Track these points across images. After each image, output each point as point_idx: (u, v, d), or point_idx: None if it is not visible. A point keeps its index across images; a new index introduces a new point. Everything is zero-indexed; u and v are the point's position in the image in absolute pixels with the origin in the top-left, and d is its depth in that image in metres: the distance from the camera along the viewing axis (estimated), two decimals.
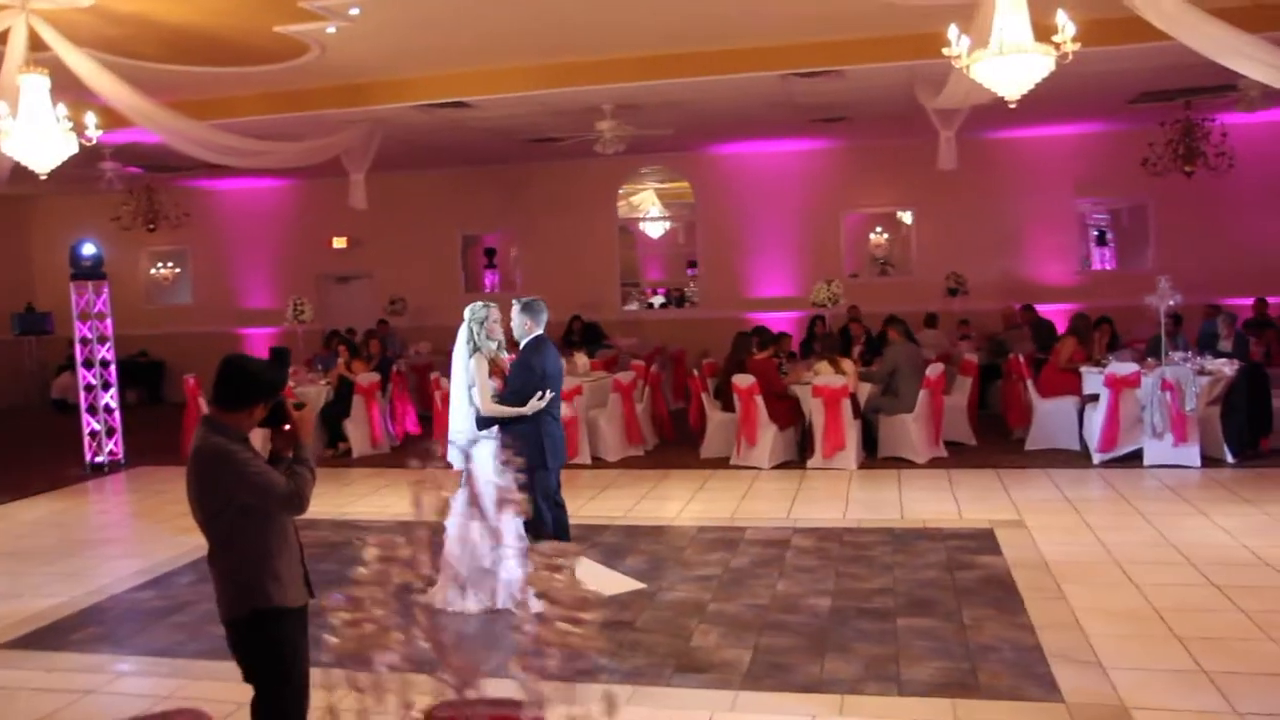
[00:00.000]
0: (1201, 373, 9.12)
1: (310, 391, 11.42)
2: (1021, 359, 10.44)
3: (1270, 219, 13.21)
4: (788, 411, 10.01)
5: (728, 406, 10.41)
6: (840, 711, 4.58)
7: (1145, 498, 8.15)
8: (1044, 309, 13.08)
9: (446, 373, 14.41)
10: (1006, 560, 6.64)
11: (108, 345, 11.35)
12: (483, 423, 6.27)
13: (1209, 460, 9.07)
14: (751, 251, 15.13)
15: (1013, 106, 6.09)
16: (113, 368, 11.40)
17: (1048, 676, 4.80)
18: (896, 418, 9.87)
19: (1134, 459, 9.27)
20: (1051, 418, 10.03)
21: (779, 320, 14.93)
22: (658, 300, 18.40)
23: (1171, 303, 9.73)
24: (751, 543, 7.33)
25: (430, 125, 11.69)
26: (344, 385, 11.46)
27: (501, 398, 6.24)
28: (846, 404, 9.60)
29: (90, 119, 7.27)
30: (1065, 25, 5.40)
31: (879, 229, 15.68)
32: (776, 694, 4.78)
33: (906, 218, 15.46)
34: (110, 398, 11.30)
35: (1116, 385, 9.17)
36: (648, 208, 18.52)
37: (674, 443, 11.42)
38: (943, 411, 10.04)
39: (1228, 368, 9.33)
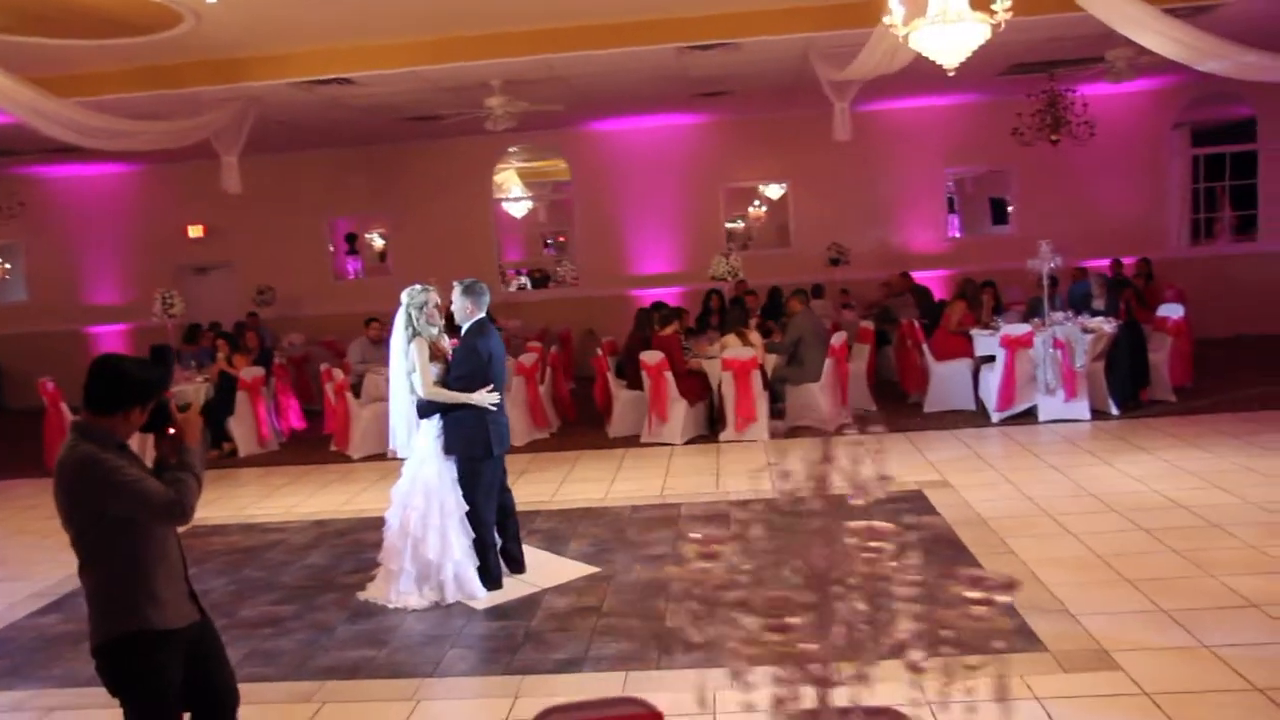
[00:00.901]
0: (1085, 331, 9.63)
1: (189, 390, 10.69)
2: (915, 324, 10.76)
3: (1121, 185, 14.10)
4: (696, 386, 10.02)
5: (633, 384, 10.33)
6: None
7: (1051, 451, 8.55)
8: (918, 275, 13.57)
9: (329, 362, 13.80)
10: (945, 519, 6.82)
11: None
12: (425, 409, 6.01)
13: (1096, 413, 9.59)
14: (631, 228, 15.08)
15: (951, 74, 6.21)
16: None
17: (1024, 627, 4.93)
18: (803, 387, 10.02)
19: (1028, 416, 9.72)
20: (947, 380, 10.40)
21: (662, 296, 14.94)
22: (520, 281, 18.13)
23: (1052, 265, 10.24)
24: (691, 519, 7.29)
25: (306, 104, 11.07)
26: (225, 381, 10.77)
27: (445, 383, 5.98)
28: (756, 375, 9.68)
29: None
30: None
31: (756, 202, 15.88)
32: (686, 672, 4.72)
33: (772, 191, 15.76)
34: None
35: (1012, 345, 9.57)
36: (509, 188, 18.17)
37: (578, 423, 11.28)
38: (849, 378, 10.26)
39: (1107, 325, 9.88)
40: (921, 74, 9.55)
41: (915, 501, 7.32)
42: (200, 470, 3.19)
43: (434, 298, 6.14)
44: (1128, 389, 9.71)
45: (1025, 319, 10.51)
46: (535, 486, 8.57)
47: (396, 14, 8.70)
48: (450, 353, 6.17)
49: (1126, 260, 13.07)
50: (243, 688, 3.60)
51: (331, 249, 15.77)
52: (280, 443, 11.19)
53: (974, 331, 10.50)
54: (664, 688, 4.60)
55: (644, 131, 14.78)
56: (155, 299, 11.18)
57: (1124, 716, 4.04)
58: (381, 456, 10.15)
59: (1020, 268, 12.70)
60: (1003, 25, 5.71)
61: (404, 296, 6.15)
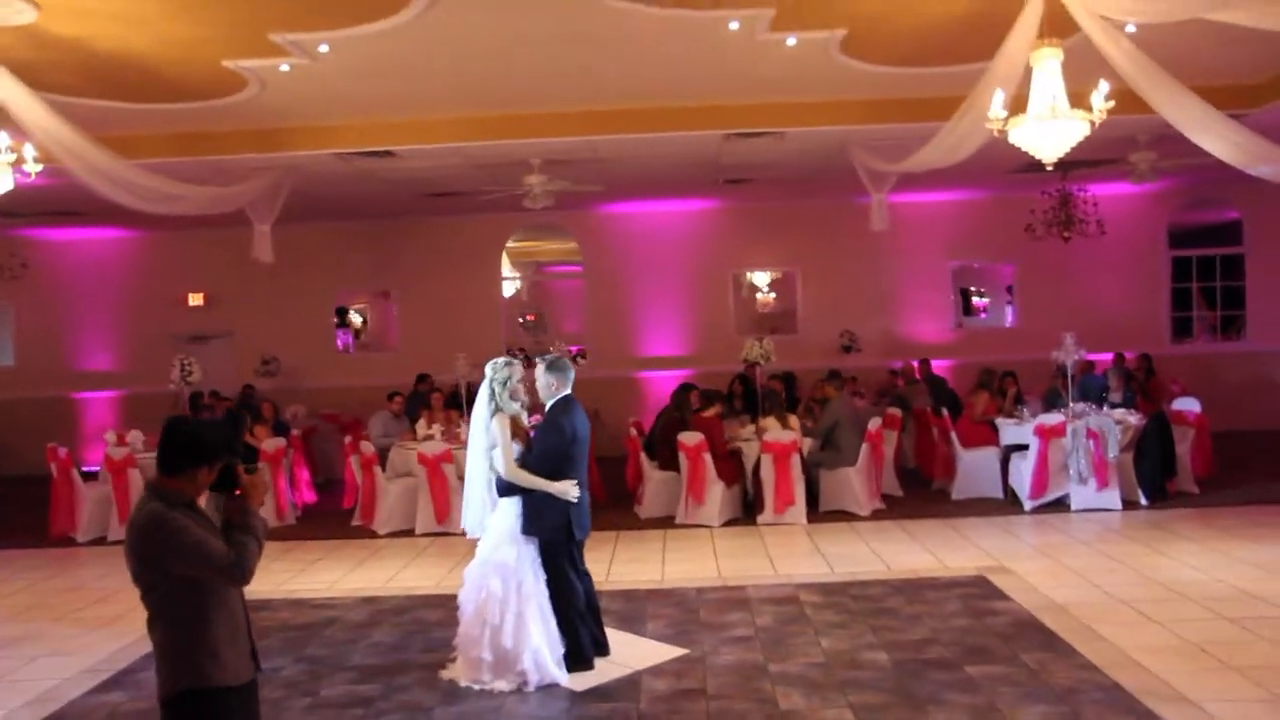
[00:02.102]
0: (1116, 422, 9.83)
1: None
2: (945, 413, 10.90)
3: (1121, 281, 14.58)
4: (732, 469, 9.99)
5: (665, 465, 10.27)
6: None
7: (1098, 540, 8.64)
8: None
9: (330, 435, 13.50)
10: (1021, 605, 6.81)
11: None
12: (504, 488, 5.86)
13: (1127, 503, 9.74)
14: (640, 310, 15.16)
15: (1049, 168, 6.42)
16: None
17: (1151, 715, 4.92)
18: (838, 471, 10.04)
19: (1059, 505, 9.83)
20: (975, 468, 10.50)
21: (670, 379, 14.99)
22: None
23: (1076, 357, 10.50)
24: (762, 601, 7.18)
25: (336, 176, 11.07)
26: (246, 453, 10.46)
27: (527, 462, 5.85)
28: (796, 459, 9.68)
29: (29, 151, 6.37)
30: (1102, 90, 5.77)
31: (766, 288, 16.11)
32: None
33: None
34: None
35: (1046, 435, 9.72)
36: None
37: (606, 504, 11.12)
38: (884, 464, 10.31)
39: (1132, 417, 10.10)
40: (942, 170, 9.92)
41: (982, 586, 7.32)
42: (262, 533, 3.29)
43: (519, 371, 6.06)
44: (1157, 480, 9.88)
45: (1046, 409, 10.72)
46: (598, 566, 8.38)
47: (444, 90, 8.79)
48: (531, 431, 6.06)
49: (1128, 355, 13.41)
50: None
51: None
52: (296, 517, 10.86)
53: (999, 420, 10.67)
54: None
55: (654, 215, 14.99)
56: (174, 365, 10.90)
57: None
58: (409, 533, 9.96)
59: (1022, 359, 13.10)
60: (1099, 122, 5.95)
61: (488, 370, 6.05)
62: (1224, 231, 16.16)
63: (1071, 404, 10.43)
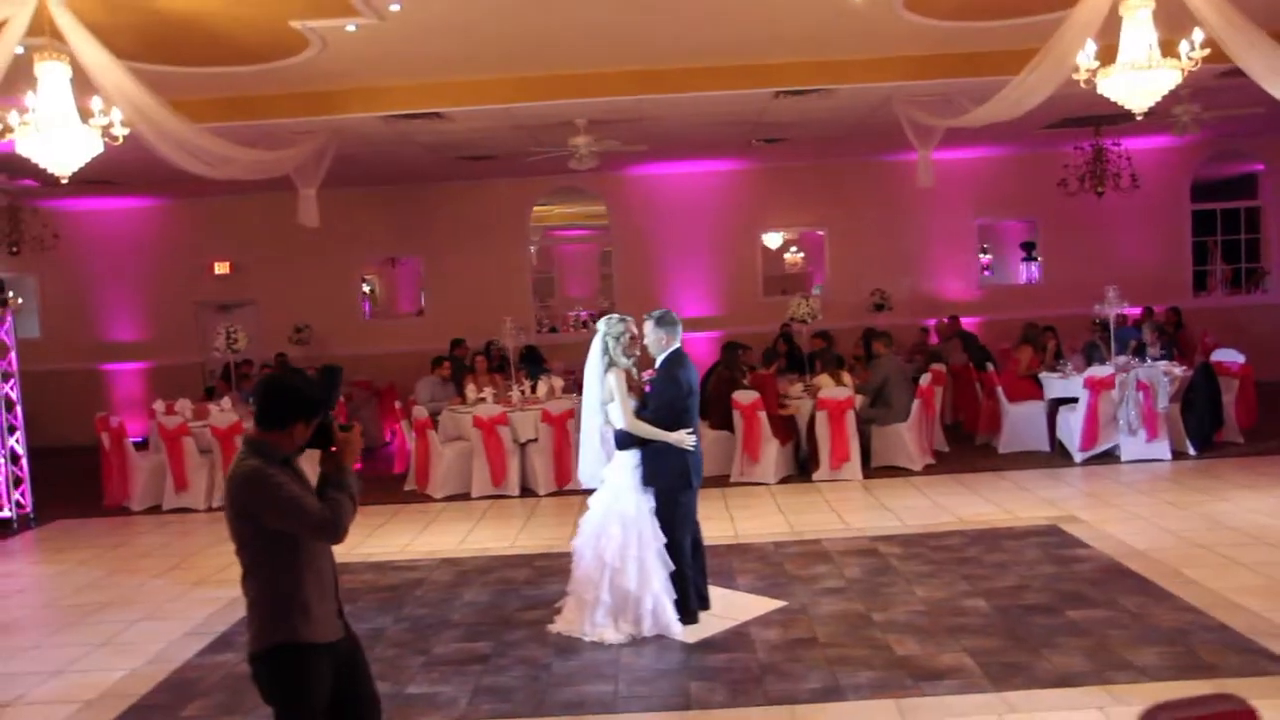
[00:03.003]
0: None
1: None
2: (984, 367, 11.00)
3: (1144, 234, 14.67)
4: (787, 426, 10.06)
5: (717, 424, 10.32)
6: (1119, 701, 4.61)
7: (1157, 489, 8.78)
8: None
9: (364, 403, 13.49)
10: (1102, 551, 6.94)
11: (11, 382, 9.81)
12: (624, 440, 5.92)
13: (1176, 454, 9.88)
14: (668, 272, 15.15)
15: (1139, 118, 6.46)
16: (19, 409, 9.86)
17: (1267, 652, 5.05)
18: (890, 427, 10.13)
19: (1108, 456, 9.97)
20: (1022, 422, 10.61)
21: (699, 340, 15.03)
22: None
23: (1118, 310, 10.60)
24: (842, 553, 7.28)
25: (377, 139, 10.97)
26: None
27: (644, 414, 5.92)
28: (850, 415, 9.77)
29: (116, 115, 6.29)
30: (1196, 40, 5.80)
31: (794, 248, 16.12)
32: (1044, 691, 4.76)
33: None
34: (16, 441, 9.76)
35: (1096, 387, 9.83)
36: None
37: None
38: (935, 419, 10.41)
39: (1177, 369, 10.23)
40: (968, 127, 9.95)
41: (1057, 535, 7.45)
42: (355, 491, 3.30)
43: (632, 328, 6.10)
44: (1205, 430, 10.03)
45: (1086, 363, 10.82)
46: None
47: (496, 50, 8.69)
48: (646, 385, 6.12)
49: (1157, 309, 13.53)
50: None
51: (366, 289, 15.52)
52: None
53: (1043, 375, 10.78)
54: (945, 713, 4.60)
55: (680, 176, 14.94)
56: (219, 333, 10.86)
57: None
58: (464, 496, 10.01)
59: (1048, 314, 13.20)
60: (1197, 65, 5.98)
61: (601, 325, 6.10)
62: (1238, 185, 16.30)
63: (1115, 357, 10.55)
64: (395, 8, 7.24)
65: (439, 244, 15.04)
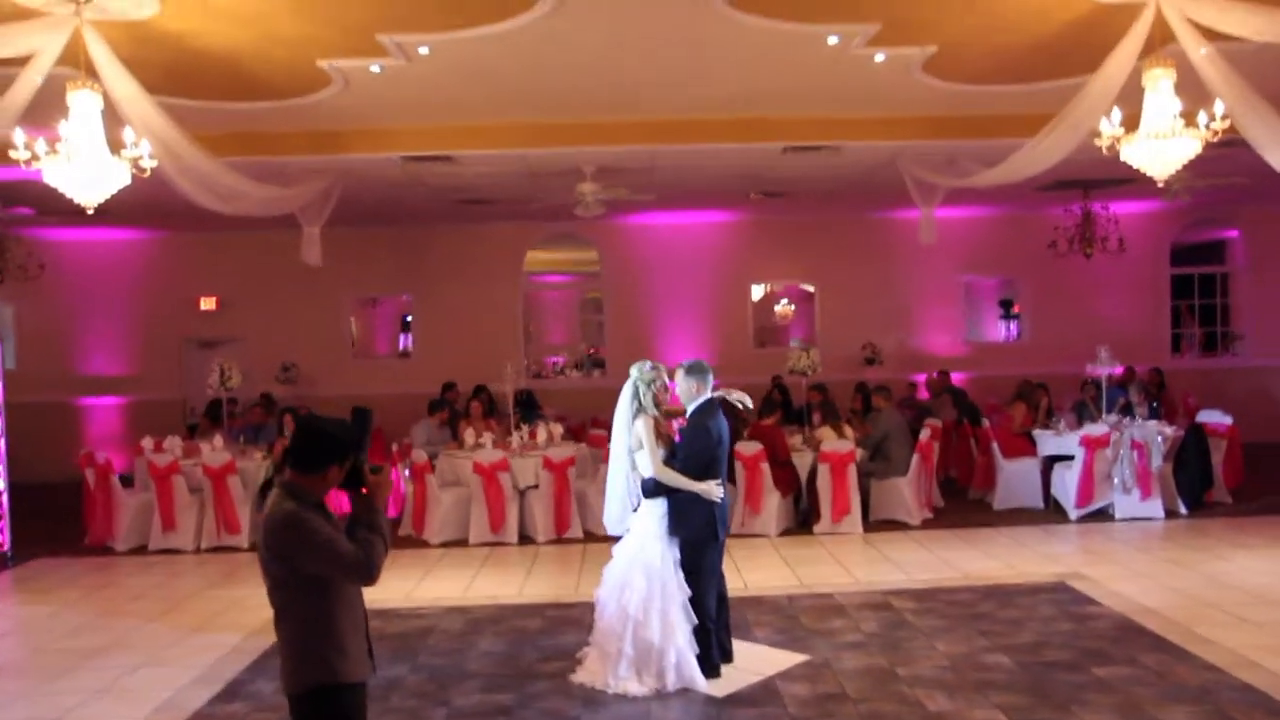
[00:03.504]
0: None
1: (250, 468, 10.21)
2: (986, 424, 11.12)
3: (1125, 296, 14.99)
4: (788, 478, 10.07)
5: None
6: None
7: (1155, 547, 8.91)
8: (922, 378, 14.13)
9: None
10: (1113, 609, 6.99)
11: None
12: (651, 489, 5.88)
13: (1167, 513, 10.02)
14: (660, 321, 15.22)
15: (1161, 185, 6.64)
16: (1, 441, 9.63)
17: None
18: (889, 481, 10.18)
19: (1102, 514, 10.08)
20: (1016, 478, 10.71)
21: None
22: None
23: (1112, 370, 10.81)
24: (856, 607, 7.27)
25: (383, 180, 10.98)
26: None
27: (672, 463, 5.89)
28: (852, 469, 9.81)
29: (145, 147, 6.24)
30: (1219, 111, 5.99)
31: (785, 300, 16.26)
32: None
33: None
34: None
35: (1091, 445, 9.97)
36: None
37: None
38: (934, 474, 10.48)
39: (1168, 429, 10.42)
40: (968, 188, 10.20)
41: (1066, 592, 7.50)
42: (387, 532, 3.38)
43: (664, 377, 6.09)
44: (1195, 490, 10.19)
45: (1078, 420, 10.98)
46: None
47: (510, 97, 8.76)
48: (676, 434, 6.10)
49: (1139, 369, 13.78)
50: None
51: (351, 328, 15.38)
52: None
53: (1037, 432, 10.92)
54: None
55: (673, 226, 15.07)
56: (213, 370, 10.70)
57: None
58: (461, 543, 9.88)
59: (1031, 372, 13.40)
60: (1217, 136, 6.16)
61: (633, 371, 6.08)
62: (1207, 251, 16.75)
63: (1105, 415, 10.73)
64: (424, 50, 7.29)
65: (430, 285, 15.00)
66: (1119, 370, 12.17)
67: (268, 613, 3.37)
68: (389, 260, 14.90)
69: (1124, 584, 7.65)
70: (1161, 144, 6.11)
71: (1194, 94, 6.38)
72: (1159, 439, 9.98)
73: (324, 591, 3.28)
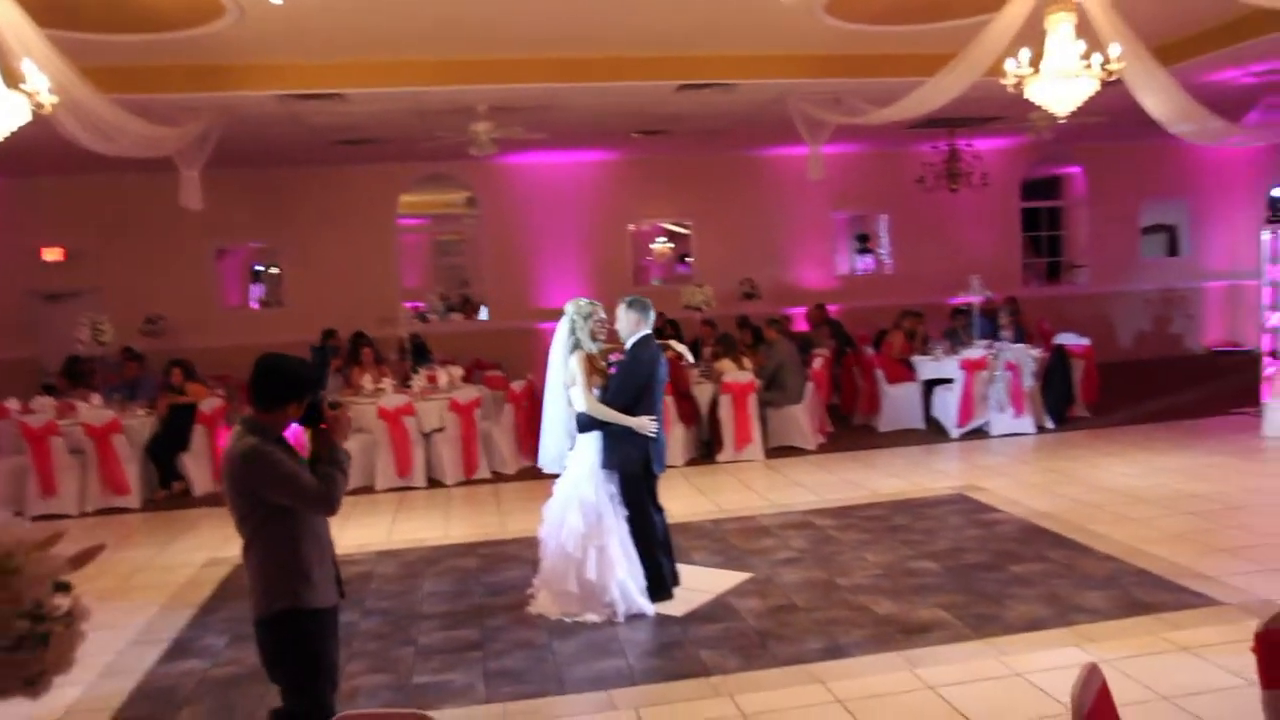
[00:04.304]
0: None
1: (135, 426, 9.72)
2: (869, 352, 11.70)
3: (982, 229, 15.88)
4: (691, 409, 10.35)
5: None
6: (1090, 639, 5.13)
7: (1036, 459, 9.67)
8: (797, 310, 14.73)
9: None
10: (1013, 515, 7.61)
11: None
12: (585, 424, 5.97)
13: (1038, 428, 10.85)
14: (538, 261, 15.16)
15: (1062, 121, 7.10)
16: None
17: (1189, 589, 5.74)
18: (785, 409, 10.61)
19: (979, 432, 10.83)
20: (899, 402, 11.35)
21: None
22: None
23: (984, 297, 11.55)
24: (780, 527, 7.64)
25: (264, 119, 10.47)
26: (176, 414, 9.87)
27: (607, 397, 5.97)
28: (753, 399, 10.17)
29: (42, 82, 5.80)
30: (1114, 53, 6.47)
31: (662, 238, 16.42)
32: (1022, 635, 5.23)
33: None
34: None
35: (970, 368, 10.66)
36: None
37: None
38: (827, 400, 10.97)
39: (1034, 351, 11.24)
40: (844, 126, 10.61)
41: (967, 502, 8.09)
42: (346, 465, 3.52)
43: (600, 311, 6.16)
44: (1060, 406, 11.07)
45: (951, 346, 11.69)
46: None
47: (407, 32, 8.51)
48: (611, 368, 6.17)
49: (995, 297, 14.71)
50: (543, 704, 4.56)
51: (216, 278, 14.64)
52: None
53: (915, 358, 11.57)
54: (946, 660, 4.97)
55: (550, 166, 14.96)
56: (83, 326, 10.03)
57: None
58: (368, 490, 9.73)
59: (900, 303, 14.13)
60: (1112, 77, 6.65)
61: (569, 307, 6.13)
62: (1045, 186, 17.93)
63: (977, 340, 11.47)
64: None
65: (300, 231, 14.43)
66: (995, 297, 12.98)
67: (188, 572, 3.43)
68: (255, 205, 14.22)
69: (1015, 492, 8.30)
70: (1064, 83, 6.55)
71: (1092, 36, 6.83)
72: (1031, 360, 10.76)
73: (288, 523, 3.41)
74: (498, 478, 10.05)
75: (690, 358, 6.64)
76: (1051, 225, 18.09)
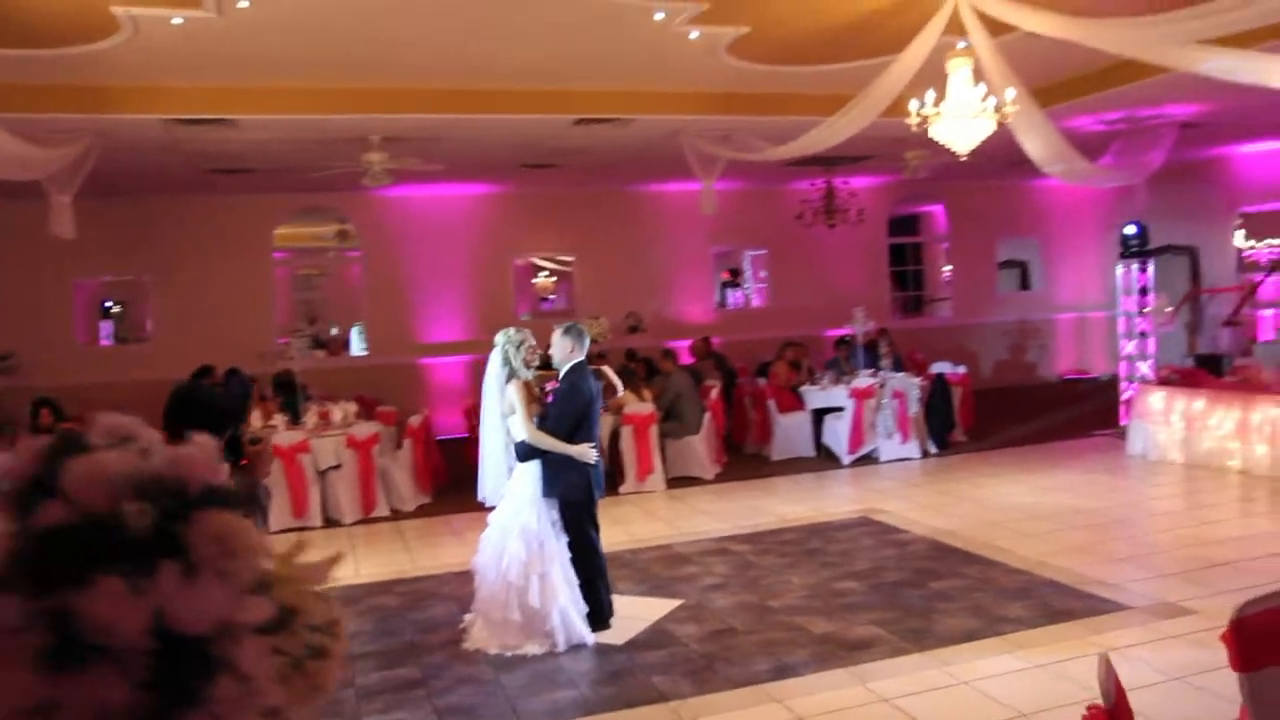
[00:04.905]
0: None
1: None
2: (761, 382, 11.98)
3: (852, 264, 16.53)
4: None
5: None
6: (1021, 646, 5.39)
7: (927, 482, 10.09)
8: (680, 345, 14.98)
9: None
10: (919, 534, 7.91)
11: None
12: (524, 453, 5.94)
13: (923, 453, 11.34)
14: (420, 296, 14.90)
15: (964, 159, 7.51)
16: None
17: (1098, 596, 6.11)
18: (683, 440, 10.74)
19: (867, 458, 11.22)
20: (790, 430, 11.65)
21: (452, 365, 14.92)
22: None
23: (866, 328, 12.03)
24: (699, 554, 7.71)
25: (144, 144, 9.97)
26: None
27: (548, 425, 5.96)
28: (654, 430, 10.26)
29: None
30: (1010, 95, 6.92)
31: (545, 272, 16.37)
32: (958, 646, 5.44)
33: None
34: None
35: (860, 396, 11.07)
36: None
37: (450, 487, 10.98)
38: (723, 430, 11.15)
39: (917, 380, 11.76)
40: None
41: (874, 525, 8.37)
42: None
43: (531, 338, 6.15)
44: (942, 432, 11.60)
45: (838, 376, 12.12)
46: None
47: (292, 58, 8.29)
48: (548, 395, 6.16)
49: (874, 329, 15.32)
50: None
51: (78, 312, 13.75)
52: None
53: (804, 388, 11.93)
54: (895, 673, 5.12)
55: (433, 199, 14.76)
56: None
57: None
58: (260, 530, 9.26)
59: (777, 335, 14.58)
60: (1009, 119, 7.10)
61: (499, 339, 6.10)
62: (905, 223, 18.89)
63: (861, 370, 11.93)
64: (244, 4, 6.77)
65: (171, 263, 13.73)
66: (844, 331, 13.48)
67: None
68: (119, 236, 13.46)
69: (916, 514, 8.64)
70: (964, 124, 6.96)
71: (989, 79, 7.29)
72: (916, 389, 11.26)
73: None
74: (397, 515, 9.77)
75: (620, 386, 6.69)
76: (915, 261, 19.06)
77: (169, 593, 0.95)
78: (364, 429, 9.73)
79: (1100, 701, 2.69)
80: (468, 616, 6.17)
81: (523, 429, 5.87)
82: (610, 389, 7.42)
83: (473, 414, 11.16)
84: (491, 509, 6.12)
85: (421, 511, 9.92)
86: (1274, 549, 6.95)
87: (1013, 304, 17.86)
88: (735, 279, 19.06)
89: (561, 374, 6.12)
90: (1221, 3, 5.27)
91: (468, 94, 9.57)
